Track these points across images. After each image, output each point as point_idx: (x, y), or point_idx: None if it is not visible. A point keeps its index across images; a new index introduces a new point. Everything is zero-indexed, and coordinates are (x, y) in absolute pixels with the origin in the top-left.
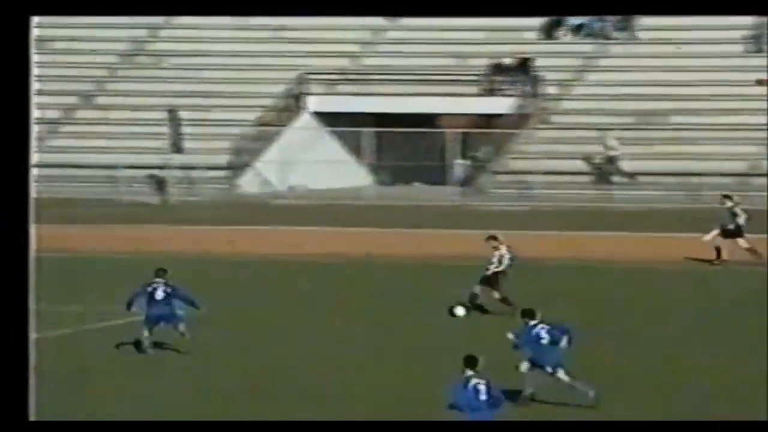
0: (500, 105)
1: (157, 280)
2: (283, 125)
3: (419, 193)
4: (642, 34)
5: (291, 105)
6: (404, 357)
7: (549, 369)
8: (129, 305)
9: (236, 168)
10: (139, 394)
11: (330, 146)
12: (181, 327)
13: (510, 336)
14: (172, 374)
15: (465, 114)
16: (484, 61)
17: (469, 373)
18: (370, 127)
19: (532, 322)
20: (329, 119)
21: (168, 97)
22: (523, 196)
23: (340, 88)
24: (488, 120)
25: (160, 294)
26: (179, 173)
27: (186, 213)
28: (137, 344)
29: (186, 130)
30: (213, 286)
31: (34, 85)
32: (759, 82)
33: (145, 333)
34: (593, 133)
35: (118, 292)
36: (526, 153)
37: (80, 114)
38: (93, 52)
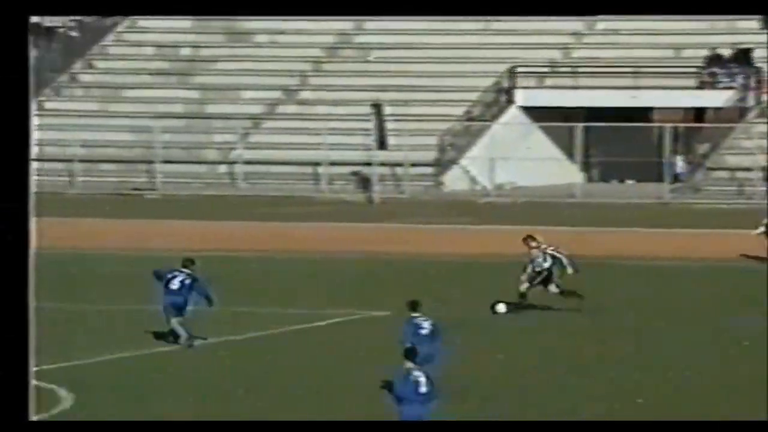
0: (717, 98)
1: (181, 269)
2: (491, 120)
3: (631, 190)
4: None
5: (499, 99)
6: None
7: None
8: (159, 279)
9: (442, 164)
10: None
11: (539, 142)
12: (173, 322)
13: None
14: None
15: (680, 108)
16: (701, 53)
17: (409, 365)
18: (579, 121)
19: (414, 315)
20: (538, 114)
21: (373, 92)
22: (740, 193)
23: (550, 81)
24: (704, 114)
25: (175, 283)
26: (384, 170)
27: (391, 211)
28: (174, 335)
29: (391, 125)
30: (426, 287)
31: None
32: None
33: (174, 323)
34: None
35: (321, 294)
36: (743, 148)
37: (283, 109)
38: (297, 45)
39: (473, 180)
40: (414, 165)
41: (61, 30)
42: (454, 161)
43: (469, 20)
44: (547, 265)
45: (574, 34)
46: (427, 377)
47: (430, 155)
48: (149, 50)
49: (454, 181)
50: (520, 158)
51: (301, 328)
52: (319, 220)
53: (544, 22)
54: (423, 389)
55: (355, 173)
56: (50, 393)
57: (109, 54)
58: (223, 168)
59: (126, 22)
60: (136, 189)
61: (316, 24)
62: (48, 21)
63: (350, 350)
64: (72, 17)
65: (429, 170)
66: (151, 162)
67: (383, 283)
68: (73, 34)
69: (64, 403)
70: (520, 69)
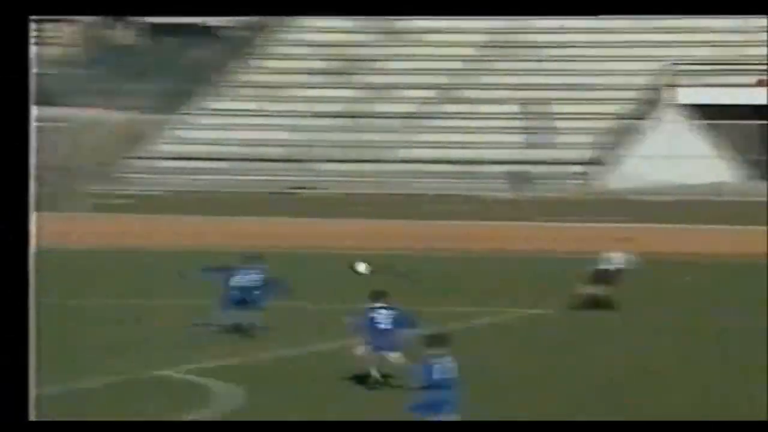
0: None
1: (246, 266)
2: (646, 118)
3: None
4: None
5: (654, 97)
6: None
7: (385, 353)
8: (204, 274)
9: (598, 163)
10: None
11: (694, 140)
12: (256, 315)
13: (348, 319)
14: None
15: None
16: None
17: (429, 352)
18: (735, 119)
19: (373, 305)
20: (693, 111)
21: (529, 90)
22: None
23: (706, 79)
24: None
25: (244, 280)
26: (539, 168)
27: (546, 209)
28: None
29: (546, 123)
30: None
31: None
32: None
33: (221, 316)
34: None
35: (479, 293)
36: None
37: (440, 108)
38: (454, 44)
39: (629, 178)
40: (569, 163)
41: (223, 29)
42: (609, 159)
43: (624, 18)
44: (614, 266)
45: (730, 31)
46: (446, 364)
47: (586, 153)
48: (308, 50)
49: (609, 179)
50: (674, 156)
51: (461, 327)
52: (473, 219)
53: (699, 18)
54: (437, 375)
55: (510, 172)
56: (202, 389)
57: (269, 53)
58: (381, 166)
59: (286, 22)
60: (295, 188)
61: (470, 23)
62: (210, 21)
63: (521, 347)
64: (233, 17)
65: (584, 168)
66: (309, 161)
67: (538, 282)
68: (235, 33)
69: (232, 402)
70: (676, 67)
